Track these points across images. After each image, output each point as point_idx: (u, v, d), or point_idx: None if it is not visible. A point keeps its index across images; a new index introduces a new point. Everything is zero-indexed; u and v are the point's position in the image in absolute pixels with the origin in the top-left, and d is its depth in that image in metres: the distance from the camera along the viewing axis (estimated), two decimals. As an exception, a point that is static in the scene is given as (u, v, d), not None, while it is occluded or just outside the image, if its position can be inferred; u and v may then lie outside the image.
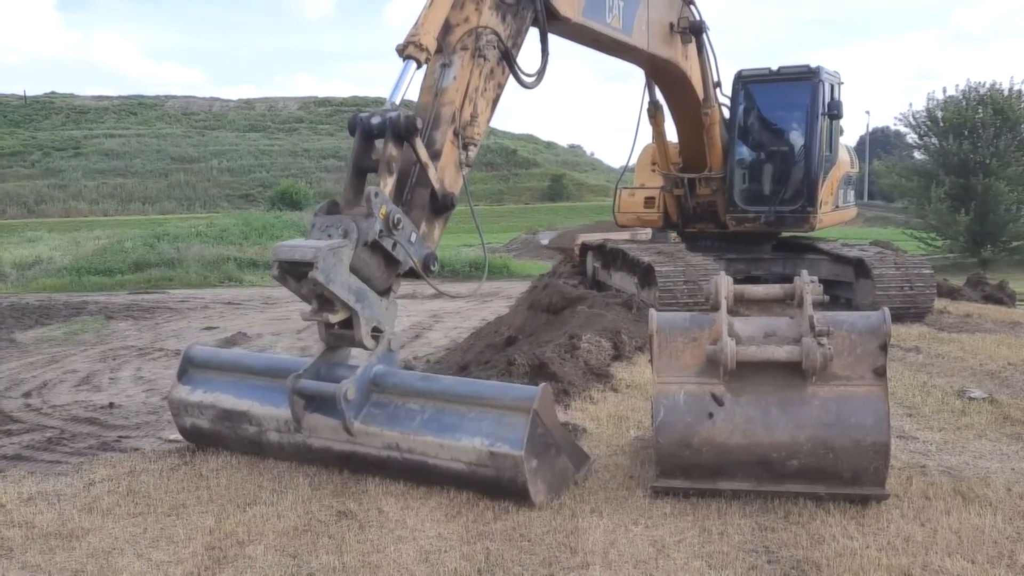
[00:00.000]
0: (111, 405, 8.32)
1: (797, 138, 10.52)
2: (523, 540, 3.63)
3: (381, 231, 4.49)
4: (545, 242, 32.88)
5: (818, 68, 10.21)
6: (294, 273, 4.25)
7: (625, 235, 12.35)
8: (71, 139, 72.43)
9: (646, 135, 11.03)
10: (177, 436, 5.27)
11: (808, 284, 4.10)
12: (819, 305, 4.08)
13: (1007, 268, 32.14)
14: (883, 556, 3.42)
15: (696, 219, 10.90)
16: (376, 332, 4.47)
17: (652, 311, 4.21)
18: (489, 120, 5.65)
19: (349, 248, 4.31)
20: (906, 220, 38.44)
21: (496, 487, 3.96)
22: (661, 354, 4.09)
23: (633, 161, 12.03)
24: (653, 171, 11.22)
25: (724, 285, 4.20)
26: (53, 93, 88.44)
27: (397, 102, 5.07)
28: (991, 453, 4.76)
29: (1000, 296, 11.57)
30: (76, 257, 25.63)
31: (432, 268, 4.99)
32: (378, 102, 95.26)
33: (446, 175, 5.13)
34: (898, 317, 8.63)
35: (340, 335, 4.50)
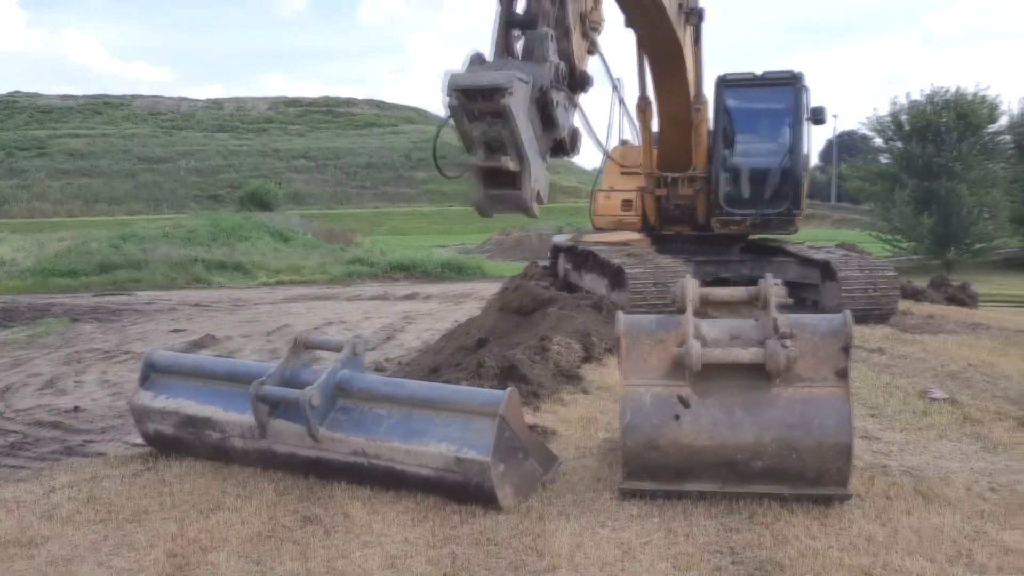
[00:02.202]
0: (76, 409, 8.19)
1: (782, 142, 10.66)
2: (490, 544, 3.63)
3: (552, 82, 4.28)
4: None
5: (800, 74, 10.41)
6: (471, 106, 3.99)
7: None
8: (35, 139, 71.30)
9: (613, 138, 11.07)
10: (142, 441, 5.20)
11: (772, 287, 4.14)
12: (783, 308, 4.12)
13: (971, 270, 32.68)
14: (845, 556, 3.47)
15: (674, 221, 10.98)
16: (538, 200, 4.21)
17: (619, 313, 4.23)
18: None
19: (529, 87, 4.11)
20: (872, 222, 38.97)
21: (463, 492, 3.95)
22: (628, 356, 4.10)
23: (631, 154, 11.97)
24: (623, 173, 11.27)
25: (690, 288, 4.23)
26: (17, 92, 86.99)
27: None
28: (951, 453, 4.83)
29: (962, 297, 11.77)
30: (40, 259, 25.22)
31: (577, 146, 4.78)
32: (350, 102, 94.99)
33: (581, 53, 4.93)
34: (863, 318, 8.74)
35: (500, 197, 4.27)
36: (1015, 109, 37.62)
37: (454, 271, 26.74)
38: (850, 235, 34.90)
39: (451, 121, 4.31)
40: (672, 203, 10.75)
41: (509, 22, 4.66)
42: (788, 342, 3.90)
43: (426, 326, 14.34)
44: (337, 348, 4.43)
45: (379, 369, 9.87)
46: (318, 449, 4.23)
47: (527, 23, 4.63)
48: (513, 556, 3.52)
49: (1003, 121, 36.55)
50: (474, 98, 4.05)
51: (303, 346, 4.52)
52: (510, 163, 4.17)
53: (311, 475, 4.36)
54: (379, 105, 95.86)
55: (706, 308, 4.62)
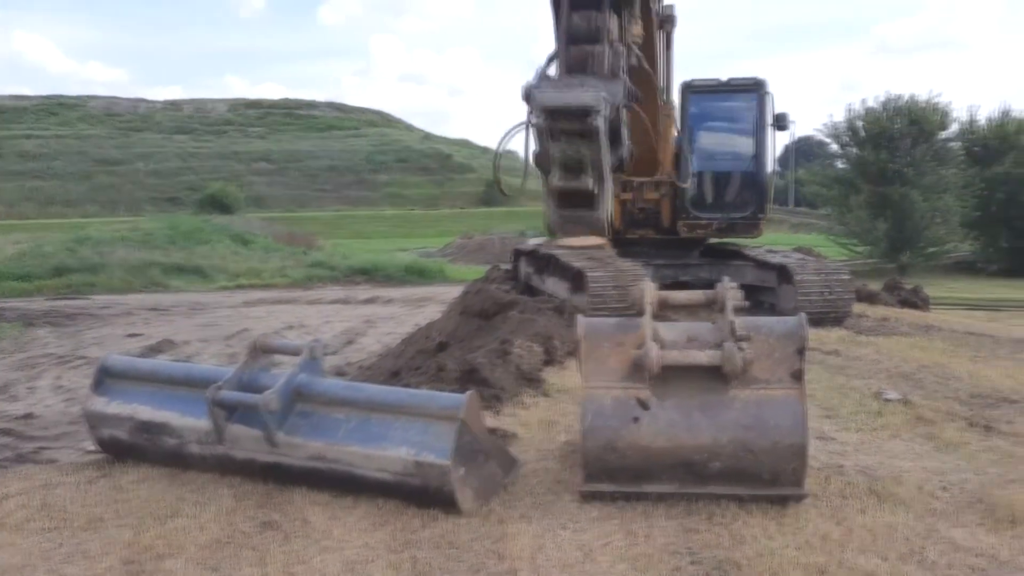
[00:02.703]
0: (28, 415, 8.03)
1: (747, 148, 10.82)
2: (451, 547, 3.63)
3: (624, 99, 4.20)
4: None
5: (764, 80, 10.61)
6: (555, 125, 3.88)
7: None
8: (-13, 140, 69.67)
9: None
10: (96, 447, 5.11)
11: (729, 290, 4.20)
12: (740, 310, 4.18)
13: (923, 273, 33.43)
14: (800, 555, 3.52)
15: (639, 224, 11.07)
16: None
17: (579, 317, 4.25)
18: None
19: (609, 107, 4.03)
20: (829, 227, 39.70)
21: (424, 496, 3.94)
22: (588, 359, 4.13)
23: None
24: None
25: (648, 291, 4.27)
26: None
27: None
28: (904, 452, 4.93)
29: (915, 300, 12.03)
30: (-8, 261, 24.67)
31: (628, 164, 4.64)
32: (311, 104, 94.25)
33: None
34: (819, 321, 8.89)
35: (575, 218, 4.20)
36: (965, 116, 38.58)
37: (416, 275, 26.65)
38: (807, 239, 35.55)
39: (510, 137, 4.24)
40: (637, 207, 10.85)
41: (572, 37, 4.60)
42: (744, 344, 3.95)
43: (387, 330, 14.29)
44: (296, 352, 4.40)
45: (340, 373, 9.81)
46: (276, 454, 4.19)
47: (590, 38, 4.58)
48: (474, 559, 3.52)
49: (954, 128, 37.47)
50: (558, 117, 4.00)
51: (261, 350, 4.47)
52: (591, 183, 4.14)
53: (270, 480, 4.32)
54: (340, 108, 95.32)
55: (665, 311, 4.67)
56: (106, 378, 4.83)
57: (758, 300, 9.67)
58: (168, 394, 4.59)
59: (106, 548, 3.69)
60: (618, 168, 4.63)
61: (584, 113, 3.94)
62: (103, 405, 4.72)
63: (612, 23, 4.52)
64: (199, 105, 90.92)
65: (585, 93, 3.95)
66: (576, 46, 4.57)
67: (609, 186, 4.17)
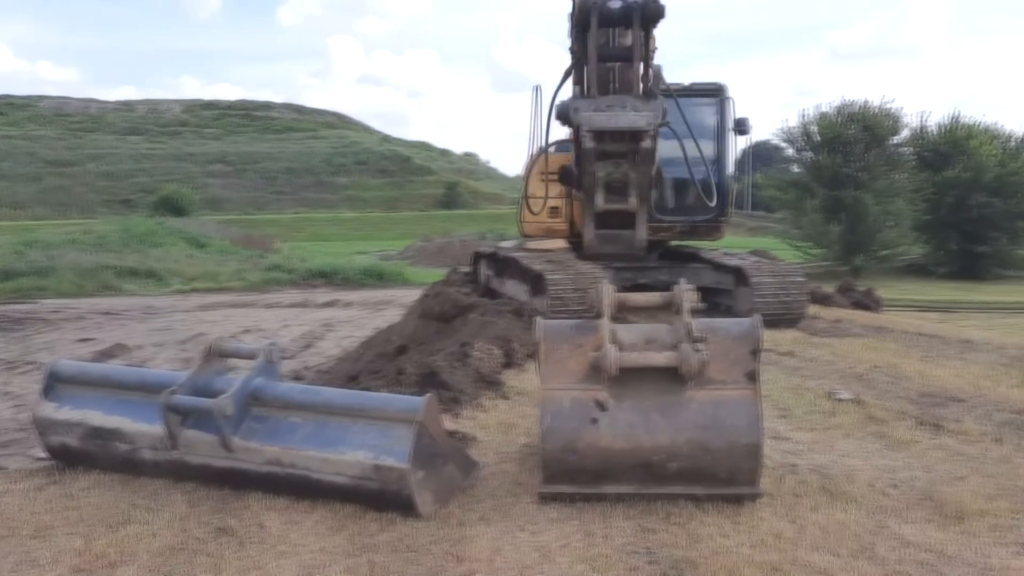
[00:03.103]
0: (-27, 423, 7.80)
1: (709, 151, 10.92)
2: (409, 551, 3.61)
3: (662, 119, 4.14)
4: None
5: (725, 85, 10.74)
6: (602, 146, 3.83)
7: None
8: (-68, 140, 67.84)
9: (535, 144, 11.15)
10: (46, 454, 5.00)
11: (686, 292, 4.24)
12: (696, 312, 4.23)
13: (876, 275, 34.11)
14: (755, 553, 3.57)
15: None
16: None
17: (538, 319, 4.27)
18: None
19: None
20: (785, 230, 40.31)
21: (382, 500, 3.92)
22: (547, 361, 4.15)
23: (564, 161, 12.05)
24: (543, 180, 11.36)
25: (606, 293, 4.30)
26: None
27: None
28: (856, 451, 5.03)
29: (868, 302, 12.27)
30: (-63, 265, 23.98)
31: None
32: (268, 105, 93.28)
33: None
34: (774, 323, 9.02)
35: (613, 238, 4.17)
36: (916, 122, 39.47)
37: (375, 278, 26.49)
38: (764, 242, 36.04)
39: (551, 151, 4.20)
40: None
41: (605, 56, 4.59)
42: (700, 346, 4.00)
43: (346, 333, 14.17)
44: (251, 356, 4.35)
45: (298, 377, 9.70)
46: (232, 459, 4.14)
47: (623, 56, 4.57)
48: (432, 562, 3.51)
49: (905, 133, 38.32)
50: (608, 139, 3.98)
51: (216, 354, 4.42)
52: (636, 204, 4.13)
53: (225, 486, 4.26)
54: (298, 109, 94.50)
55: (623, 313, 4.71)
56: (56, 383, 4.73)
57: (715, 302, 9.78)
58: (120, 399, 4.50)
59: (56, 556, 3.61)
60: (650, 186, 4.64)
61: (636, 136, 3.95)
62: (53, 411, 4.62)
63: (639, 37, 4.53)
64: (153, 106, 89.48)
65: (638, 116, 4.00)
66: (608, 63, 4.57)
67: (649, 202, 4.18)
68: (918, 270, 38.86)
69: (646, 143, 4.03)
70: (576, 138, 4.30)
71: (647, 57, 4.57)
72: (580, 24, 4.63)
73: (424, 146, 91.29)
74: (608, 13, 4.49)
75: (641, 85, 4.35)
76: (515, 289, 10.01)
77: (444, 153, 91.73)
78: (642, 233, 4.32)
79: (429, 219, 58.16)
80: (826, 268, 34.57)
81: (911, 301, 28.05)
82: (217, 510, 4.06)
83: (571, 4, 6.15)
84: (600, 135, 4.02)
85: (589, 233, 4.43)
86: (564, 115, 4.42)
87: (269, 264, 28.15)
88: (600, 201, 4.29)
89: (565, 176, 4.38)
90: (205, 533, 3.80)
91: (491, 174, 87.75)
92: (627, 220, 4.33)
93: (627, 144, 4.06)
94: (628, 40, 4.68)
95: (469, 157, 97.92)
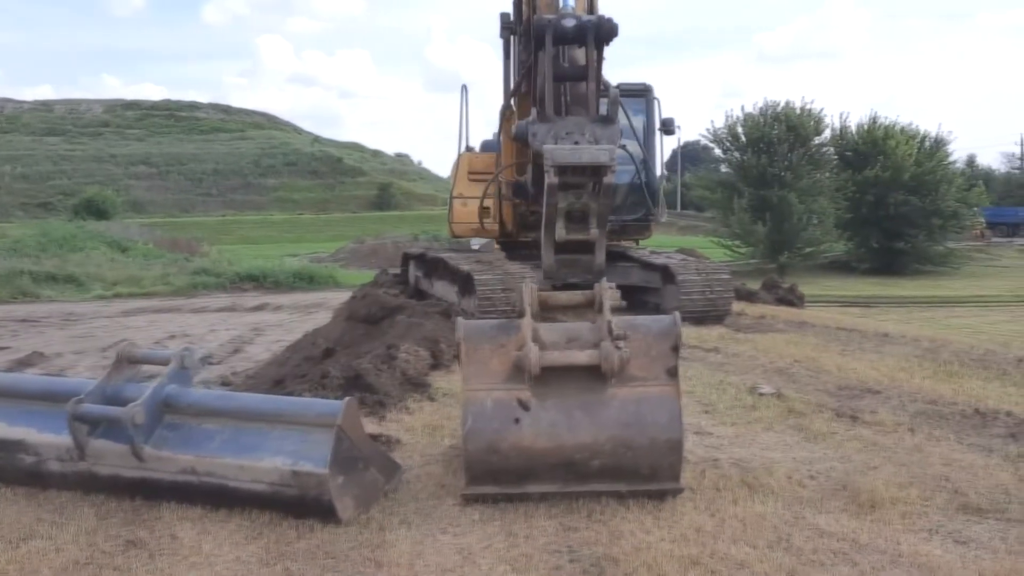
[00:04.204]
0: None
1: (638, 151, 11.01)
2: (327, 558, 3.54)
3: (618, 144, 4.09)
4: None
5: (651, 86, 10.89)
6: (572, 183, 3.77)
7: None
8: None
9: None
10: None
11: (607, 290, 4.26)
12: (617, 310, 4.25)
13: (802, 272, 35.03)
14: (675, 547, 3.60)
15: (530, 228, 11.08)
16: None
17: (459, 319, 4.24)
18: None
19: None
20: (714, 229, 41.14)
21: (301, 506, 3.83)
22: (469, 362, 4.11)
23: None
24: (472, 181, 11.33)
25: (528, 292, 4.29)
26: None
27: (573, 5, 4.62)
28: (776, 444, 5.12)
29: (791, 298, 12.60)
30: None
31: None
32: (194, 106, 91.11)
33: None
34: (700, 320, 9.18)
35: (572, 262, 4.10)
36: (837, 123, 40.70)
37: (306, 281, 26.13)
38: (694, 241, 36.72)
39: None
40: (530, 210, 10.88)
41: (560, 75, 4.54)
42: (621, 343, 4.01)
43: (276, 337, 13.90)
44: (164, 362, 4.20)
45: (225, 383, 9.47)
46: (144, 469, 3.99)
47: (577, 76, 4.54)
48: (351, 569, 3.45)
49: (827, 134, 39.48)
50: (567, 171, 3.95)
51: (127, 360, 4.26)
52: (596, 234, 4.12)
53: (137, 497, 4.11)
54: (225, 110, 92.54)
55: (549, 312, 4.70)
56: (-45, 394, 4.50)
57: (644, 300, 9.89)
58: (24, 409, 4.30)
59: (-49, 577, 3.43)
60: (608, 215, 4.67)
61: (597, 170, 3.96)
62: (-49, 423, 4.39)
63: (593, 57, 4.54)
64: (72, 106, 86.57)
65: (600, 151, 3.98)
66: (562, 83, 4.57)
67: (605, 231, 4.21)
68: (841, 266, 40.08)
69: (608, 178, 4.06)
70: (535, 161, 4.31)
71: (599, 76, 4.61)
72: (535, 39, 4.64)
73: (356, 147, 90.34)
74: (563, 32, 4.50)
75: (596, 107, 4.37)
76: (444, 290, 9.97)
77: (376, 154, 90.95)
78: (600, 258, 4.36)
79: (361, 221, 57.60)
80: (754, 266, 35.39)
81: (835, 297, 28.92)
82: (128, 522, 3.91)
83: (512, 10, 6.08)
84: (563, 168, 4.04)
85: (549, 258, 4.43)
86: (523, 138, 4.42)
87: (196, 268, 27.50)
88: (562, 232, 4.29)
89: (519, 191, 4.40)
90: (113, 546, 3.65)
91: (424, 175, 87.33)
92: (587, 246, 4.34)
93: (588, 176, 4.08)
94: (580, 57, 4.70)
95: (402, 158, 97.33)
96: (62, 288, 23.07)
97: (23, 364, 11.45)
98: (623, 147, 10.62)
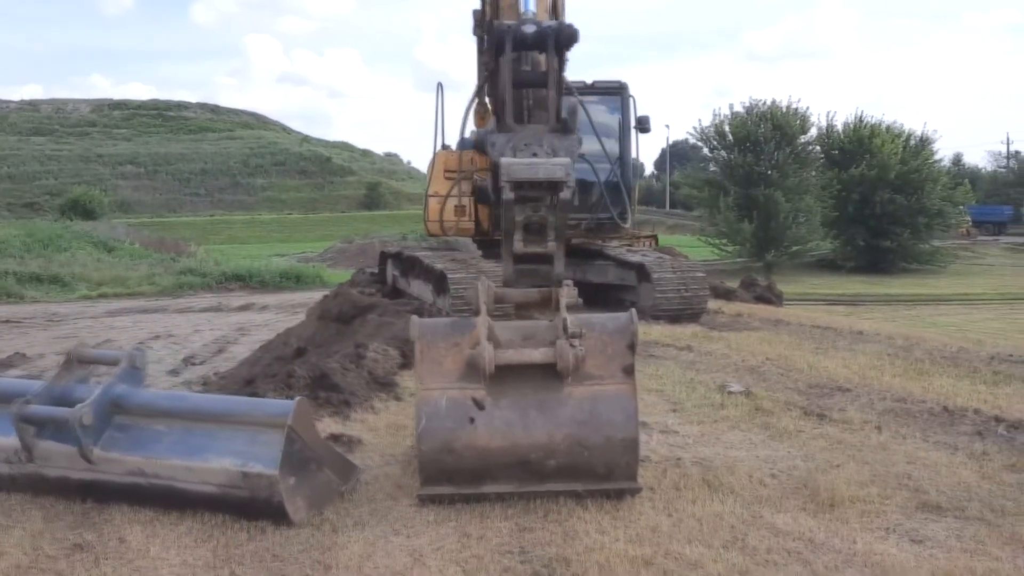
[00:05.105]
0: None
1: (613, 149, 10.99)
2: (275, 560, 3.49)
3: (577, 155, 4.09)
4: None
5: (626, 84, 10.87)
6: (529, 196, 3.81)
7: None
8: None
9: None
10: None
11: (564, 288, 4.22)
12: (573, 308, 4.21)
13: (788, 271, 35.14)
14: (630, 547, 3.56)
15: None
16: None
17: (413, 317, 4.19)
18: None
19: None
20: (701, 227, 41.22)
21: (251, 508, 3.78)
22: (423, 360, 4.07)
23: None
24: (448, 179, 11.27)
25: (483, 290, 4.24)
26: None
27: (534, 10, 4.60)
28: (741, 443, 5.09)
29: (769, 296, 12.60)
30: None
31: None
32: (182, 105, 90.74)
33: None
34: (676, 318, 9.17)
35: (531, 272, 4.10)
36: (823, 122, 40.83)
37: (292, 280, 26.11)
38: (682, 240, 36.74)
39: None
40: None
41: (519, 81, 4.49)
42: (577, 341, 3.98)
43: (260, 338, 13.80)
44: (115, 362, 4.14)
45: (206, 384, 9.39)
46: (92, 471, 3.93)
47: (537, 82, 4.50)
48: (298, 571, 3.40)
49: (813, 132, 39.59)
50: (523, 185, 3.93)
51: (77, 360, 4.20)
52: (553, 247, 4.12)
53: (87, 499, 4.05)
54: (213, 109, 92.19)
55: (520, 311, 4.65)
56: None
57: (619, 298, 9.86)
58: (-30, 411, 4.23)
59: None
60: (566, 228, 4.65)
61: (554, 185, 3.94)
62: None
63: (554, 63, 4.51)
64: (59, 105, 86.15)
65: (556, 166, 3.95)
66: (522, 90, 4.53)
67: (563, 243, 4.22)
68: (827, 265, 40.18)
69: (564, 193, 4.04)
70: (493, 171, 4.28)
71: (560, 83, 4.57)
72: (495, 44, 4.60)
73: (345, 146, 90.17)
74: (522, 37, 4.45)
75: (557, 114, 4.34)
76: (420, 289, 9.92)
77: (365, 154, 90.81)
78: (559, 267, 4.35)
79: (350, 220, 57.48)
80: (741, 264, 35.42)
81: (821, 295, 29.00)
82: (75, 525, 3.85)
83: (481, 10, 6.00)
84: (523, 185, 4.03)
85: (508, 268, 4.42)
86: (482, 147, 4.41)
87: (182, 268, 27.43)
88: (519, 245, 4.27)
89: (480, 195, 4.39)
90: (58, 550, 3.59)
91: (413, 174, 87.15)
92: (546, 257, 4.33)
93: (545, 191, 4.07)
94: (543, 61, 4.67)
95: (391, 157, 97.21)
96: (47, 289, 22.98)
97: (4, 365, 11.35)
98: (601, 142, 10.64)
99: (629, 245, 11.80)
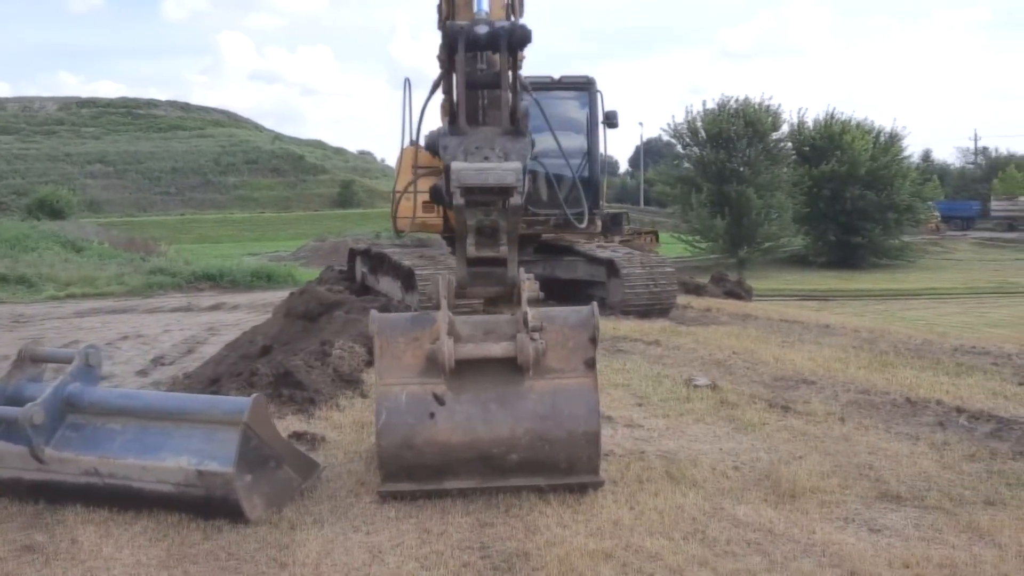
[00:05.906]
0: None
1: (580, 144, 10.97)
2: (231, 559, 3.44)
3: (528, 157, 4.06)
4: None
5: (594, 79, 10.83)
6: (480, 200, 3.82)
7: None
8: None
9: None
10: None
11: (524, 282, 4.20)
12: (535, 302, 4.19)
13: (761, 267, 35.41)
14: (590, 541, 3.55)
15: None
16: None
17: (373, 312, 4.15)
18: None
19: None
20: (675, 224, 41.40)
21: (208, 507, 3.73)
22: (383, 355, 4.03)
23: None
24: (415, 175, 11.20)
25: (444, 285, 4.21)
26: None
27: (488, 9, 4.55)
28: (705, 435, 5.10)
29: (738, 292, 12.68)
30: None
31: None
32: (152, 103, 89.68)
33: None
34: (645, 313, 9.18)
35: (485, 275, 4.09)
36: (794, 119, 41.16)
37: (264, 279, 25.89)
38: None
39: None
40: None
41: (473, 83, 4.46)
42: (537, 335, 3.96)
43: (231, 337, 13.66)
44: (68, 360, 4.07)
45: (174, 385, 9.29)
46: (45, 471, 3.85)
47: (491, 83, 4.48)
48: (253, 570, 3.35)
49: (784, 129, 39.91)
50: (474, 190, 3.90)
51: (28, 359, 4.12)
52: (506, 251, 4.09)
53: (40, 500, 3.97)
54: (184, 107, 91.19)
55: (492, 306, 4.63)
56: None
57: (590, 295, 9.86)
58: (-80, 412, 4.14)
59: None
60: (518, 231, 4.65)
61: (505, 191, 3.93)
62: None
63: (507, 64, 4.50)
64: (26, 104, 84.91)
65: (506, 172, 3.94)
66: (475, 91, 4.52)
67: (516, 247, 4.22)
68: (799, 261, 40.55)
69: (515, 199, 4.04)
70: (446, 174, 4.27)
71: (515, 83, 4.57)
72: (449, 45, 4.59)
73: (318, 144, 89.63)
74: (475, 38, 4.43)
75: (509, 116, 4.34)
76: (389, 285, 9.87)
77: (339, 152, 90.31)
78: (513, 271, 4.36)
79: (324, 219, 57.15)
80: (714, 261, 35.63)
81: (793, 291, 29.25)
82: (27, 526, 3.78)
83: (437, 15, 5.96)
84: (473, 190, 4.03)
85: (462, 271, 4.42)
86: (434, 150, 4.44)
87: (152, 267, 27.11)
88: (472, 249, 4.28)
89: (435, 195, 4.37)
90: (8, 551, 3.52)
91: (387, 172, 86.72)
92: (499, 260, 4.35)
93: (496, 195, 4.07)
94: (497, 62, 4.66)
95: (365, 155, 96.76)
96: (13, 289, 22.65)
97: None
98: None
99: (628, 240, 11.82)
